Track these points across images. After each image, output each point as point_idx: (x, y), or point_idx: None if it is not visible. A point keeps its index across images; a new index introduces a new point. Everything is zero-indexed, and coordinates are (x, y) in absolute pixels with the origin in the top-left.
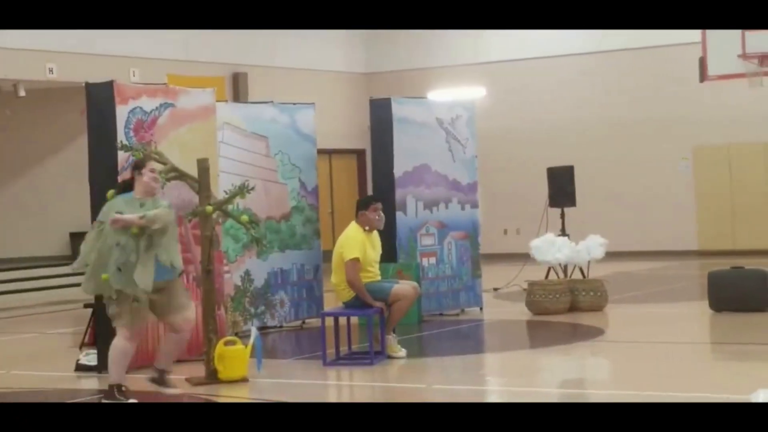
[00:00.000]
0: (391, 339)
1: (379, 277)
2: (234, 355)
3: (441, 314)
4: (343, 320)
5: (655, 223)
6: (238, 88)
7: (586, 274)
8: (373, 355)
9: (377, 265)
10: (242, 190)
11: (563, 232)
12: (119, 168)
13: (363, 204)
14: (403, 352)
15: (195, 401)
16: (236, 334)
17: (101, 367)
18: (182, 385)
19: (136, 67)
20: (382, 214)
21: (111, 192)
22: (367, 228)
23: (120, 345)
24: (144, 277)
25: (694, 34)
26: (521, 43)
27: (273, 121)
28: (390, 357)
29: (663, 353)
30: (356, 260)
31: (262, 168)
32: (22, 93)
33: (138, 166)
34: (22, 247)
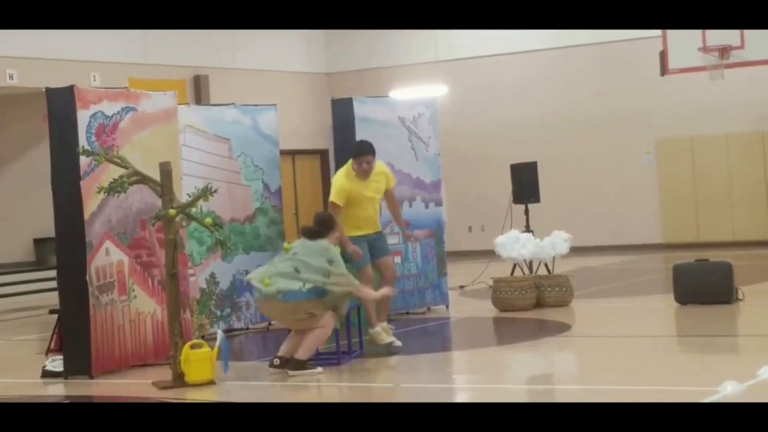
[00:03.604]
0: (381, 328)
1: (368, 231)
2: (200, 358)
3: (407, 313)
4: None
5: (620, 217)
6: (199, 90)
7: (551, 269)
8: (340, 355)
9: (371, 210)
10: (205, 192)
11: (528, 229)
12: (81, 173)
13: (354, 151)
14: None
15: (162, 401)
16: (203, 337)
17: (67, 372)
18: (149, 389)
19: (97, 72)
20: (366, 167)
21: None
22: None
23: None
24: None
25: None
26: (481, 40)
27: (235, 123)
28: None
29: (629, 347)
30: (333, 204)
31: (225, 170)
32: None
33: None
34: None
